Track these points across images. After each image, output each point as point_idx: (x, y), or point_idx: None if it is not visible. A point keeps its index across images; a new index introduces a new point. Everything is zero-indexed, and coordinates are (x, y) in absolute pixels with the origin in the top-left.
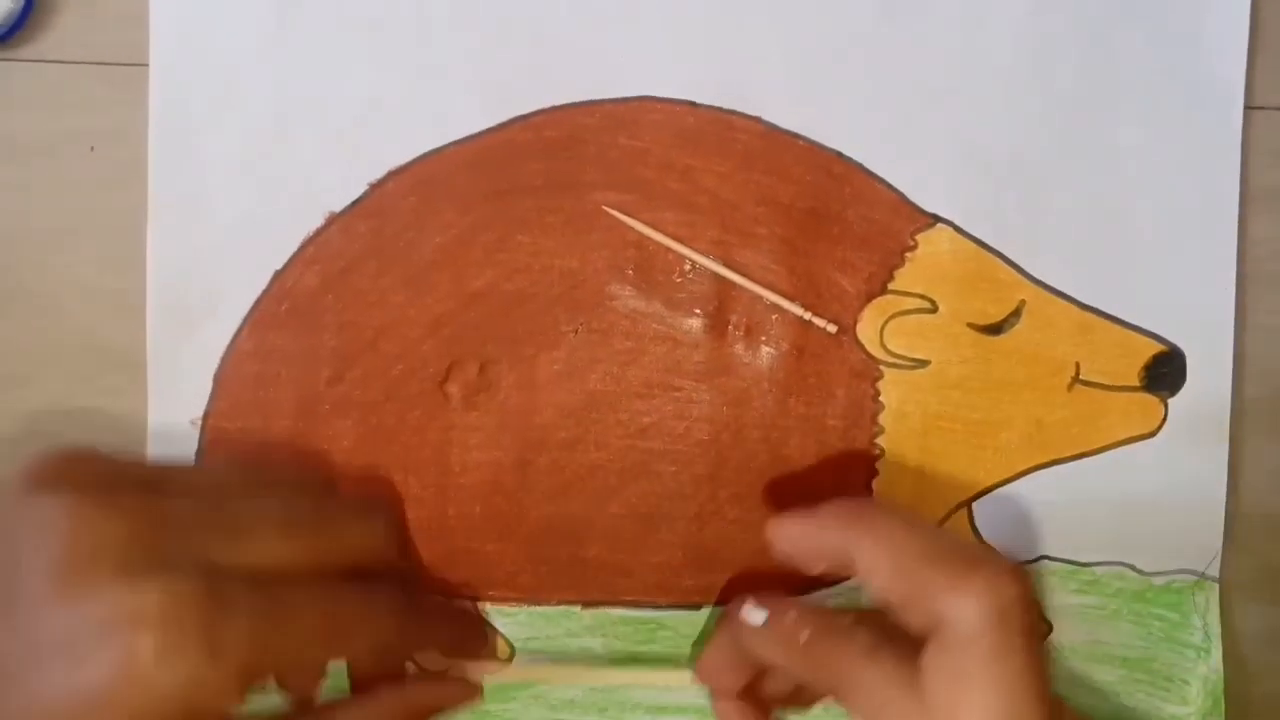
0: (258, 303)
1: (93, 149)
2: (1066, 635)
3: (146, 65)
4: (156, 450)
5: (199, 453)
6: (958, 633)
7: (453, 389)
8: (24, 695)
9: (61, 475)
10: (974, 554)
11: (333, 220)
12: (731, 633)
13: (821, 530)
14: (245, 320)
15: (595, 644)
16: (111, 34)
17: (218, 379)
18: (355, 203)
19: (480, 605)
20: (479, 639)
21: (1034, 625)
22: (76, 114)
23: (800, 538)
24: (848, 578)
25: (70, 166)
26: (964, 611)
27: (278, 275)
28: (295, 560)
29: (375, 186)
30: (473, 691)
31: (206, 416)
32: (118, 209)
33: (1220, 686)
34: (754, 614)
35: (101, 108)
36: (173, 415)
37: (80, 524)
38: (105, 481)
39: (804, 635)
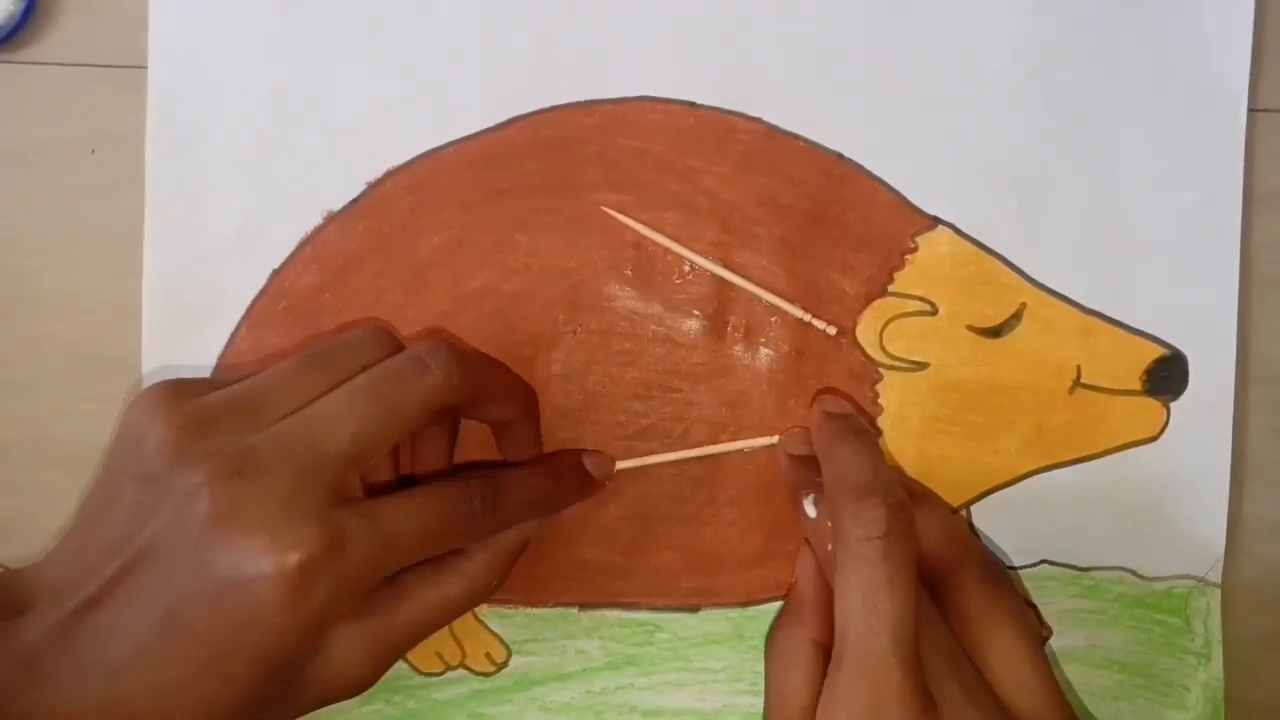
0: (255, 302)
1: (93, 152)
2: (1066, 640)
3: (148, 68)
4: None
5: None
6: (840, 548)
7: None
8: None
9: (184, 402)
10: (868, 485)
11: (331, 220)
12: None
13: (810, 444)
14: (243, 319)
15: (592, 646)
16: (112, 36)
17: (215, 378)
18: (354, 202)
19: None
20: (583, 482)
21: (901, 557)
22: (77, 117)
23: (802, 446)
24: None
25: (71, 170)
26: (841, 530)
27: (276, 274)
28: (386, 436)
29: (374, 186)
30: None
31: None
32: (119, 213)
33: (1221, 693)
34: (809, 508)
35: (103, 111)
36: None
37: (226, 492)
38: (207, 423)
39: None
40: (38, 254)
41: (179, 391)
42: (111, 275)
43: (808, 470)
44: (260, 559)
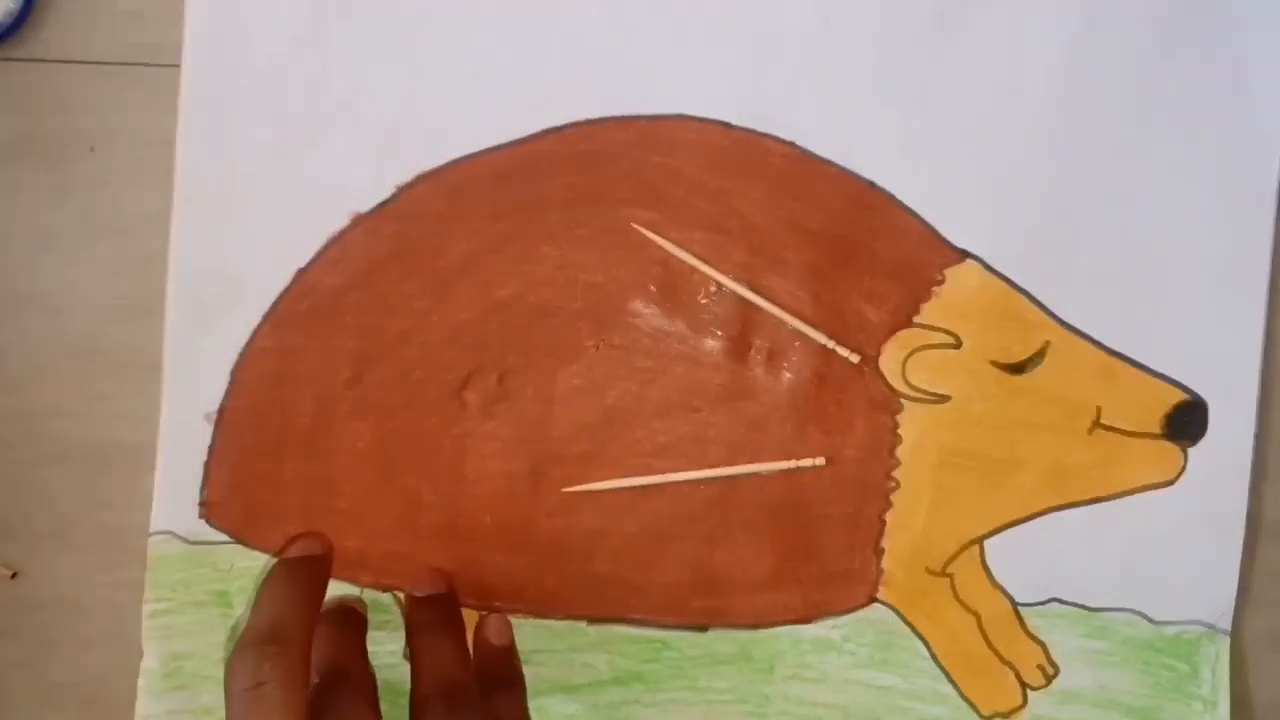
0: (280, 300)
1: (92, 149)
2: (1073, 680)
3: (147, 65)
4: (168, 444)
5: (212, 447)
6: None
7: (471, 397)
8: None
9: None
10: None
11: (358, 221)
12: None
13: None
14: (266, 317)
15: (600, 660)
16: (111, 34)
17: (235, 374)
18: (382, 205)
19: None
20: None
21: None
22: (76, 114)
23: None
24: (853, 608)
25: (69, 167)
26: None
27: (301, 273)
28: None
29: (404, 190)
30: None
31: (221, 412)
32: (117, 209)
33: None
34: None
35: (102, 107)
36: (187, 409)
37: None
38: None
39: None
40: (36, 251)
41: None
42: (110, 271)
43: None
44: None
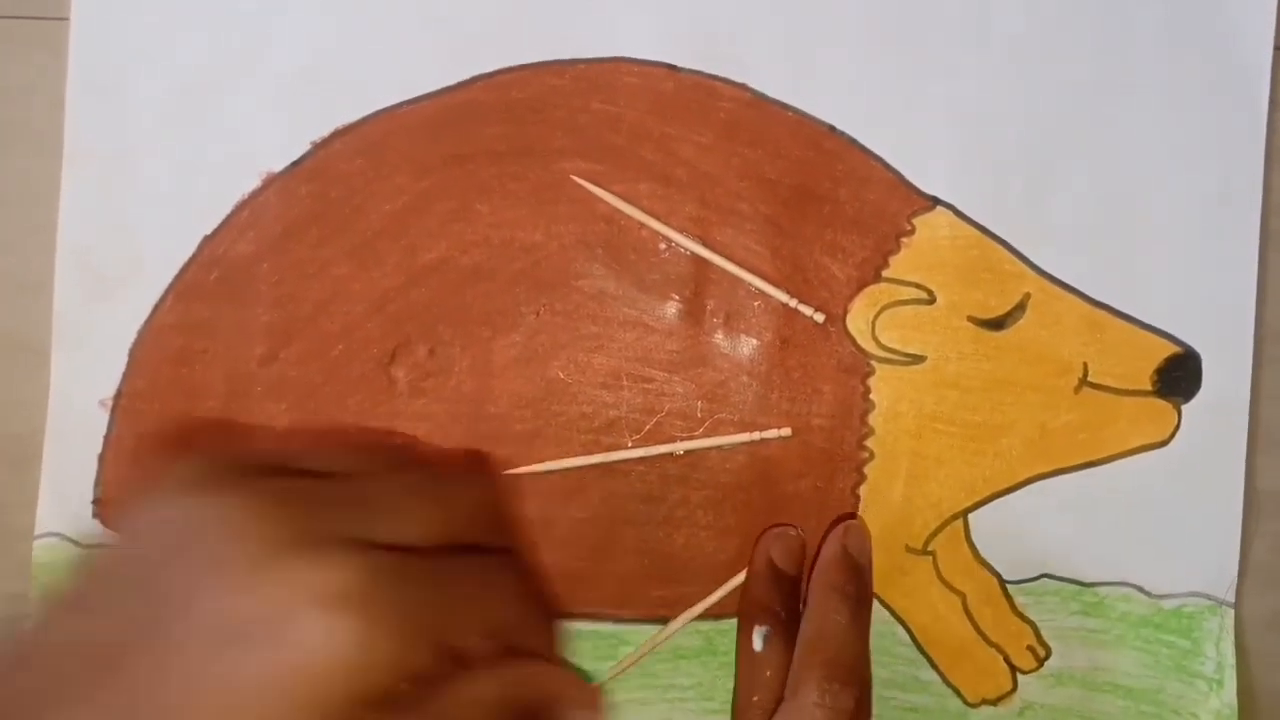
0: (184, 270)
1: None
2: (1067, 661)
3: (31, 18)
4: (57, 434)
5: (108, 437)
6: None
7: (399, 372)
8: (202, 688)
9: (202, 479)
10: (849, 667)
11: (271, 182)
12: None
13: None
14: (168, 290)
15: None
16: None
17: (133, 355)
18: (296, 163)
19: None
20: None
21: None
22: None
23: (789, 561)
24: None
25: None
26: (799, 689)
27: (207, 240)
28: (424, 535)
29: (319, 146)
30: (592, 697)
31: (119, 396)
32: (6, 176)
33: None
34: (758, 641)
35: (19, 66)
36: (78, 394)
37: (245, 516)
38: (243, 477)
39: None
40: None
41: (243, 469)
42: (11, 244)
43: (776, 592)
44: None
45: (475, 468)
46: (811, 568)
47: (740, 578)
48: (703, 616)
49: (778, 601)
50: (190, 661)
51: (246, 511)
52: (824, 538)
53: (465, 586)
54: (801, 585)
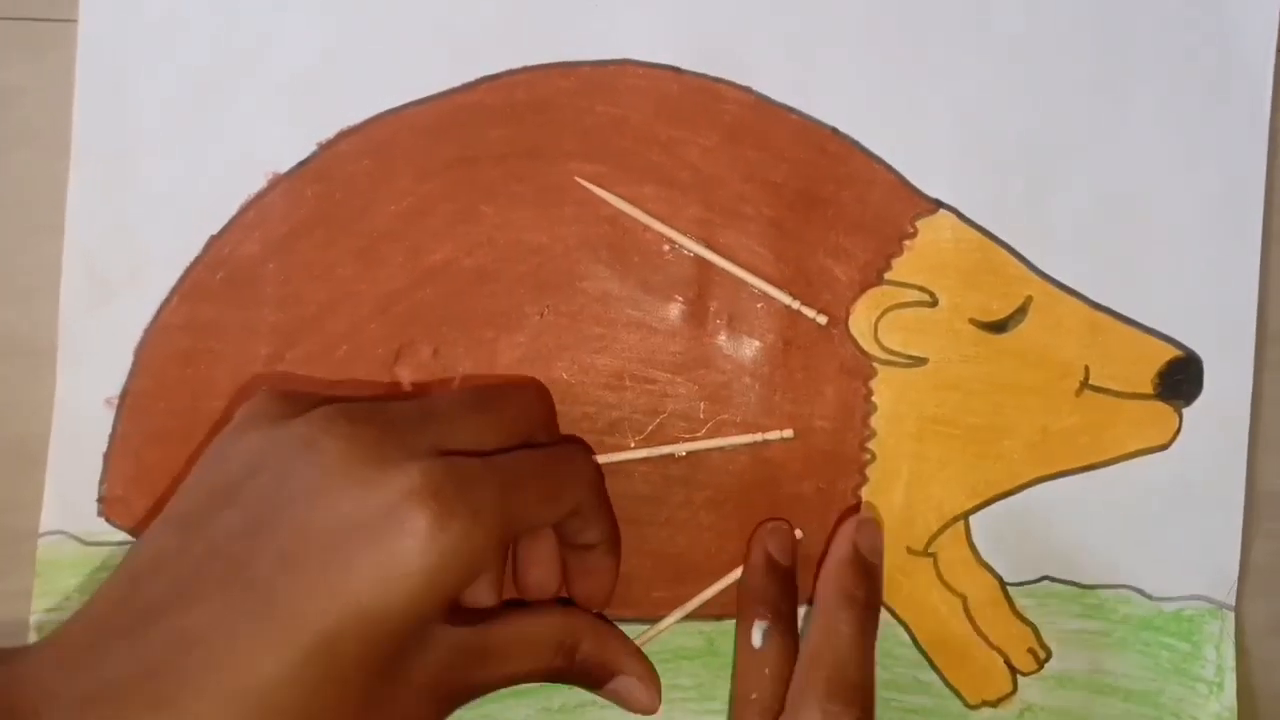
0: (189, 271)
1: None
2: (1067, 663)
3: (39, 20)
4: (62, 434)
5: (113, 436)
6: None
7: (403, 373)
8: (327, 579)
9: (279, 410)
10: (853, 684)
11: (276, 183)
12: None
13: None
14: (174, 290)
15: None
16: None
17: (139, 354)
18: (302, 164)
19: None
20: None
21: None
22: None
23: (785, 554)
24: None
25: None
26: (800, 705)
27: (213, 241)
28: (494, 440)
29: (325, 147)
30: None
31: (125, 395)
32: (8, 177)
33: None
34: (757, 637)
35: (24, 67)
36: (84, 394)
37: (342, 432)
38: (314, 406)
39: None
40: None
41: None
42: (18, 245)
43: (775, 585)
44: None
45: (516, 381)
46: (819, 565)
47: (737, 573)
48: (704, 616)
49: (777, 594)
50: (314, 554)
51: (335, 431)
52: (833, 532)
53: (537, 477)
54: (796, 576)
